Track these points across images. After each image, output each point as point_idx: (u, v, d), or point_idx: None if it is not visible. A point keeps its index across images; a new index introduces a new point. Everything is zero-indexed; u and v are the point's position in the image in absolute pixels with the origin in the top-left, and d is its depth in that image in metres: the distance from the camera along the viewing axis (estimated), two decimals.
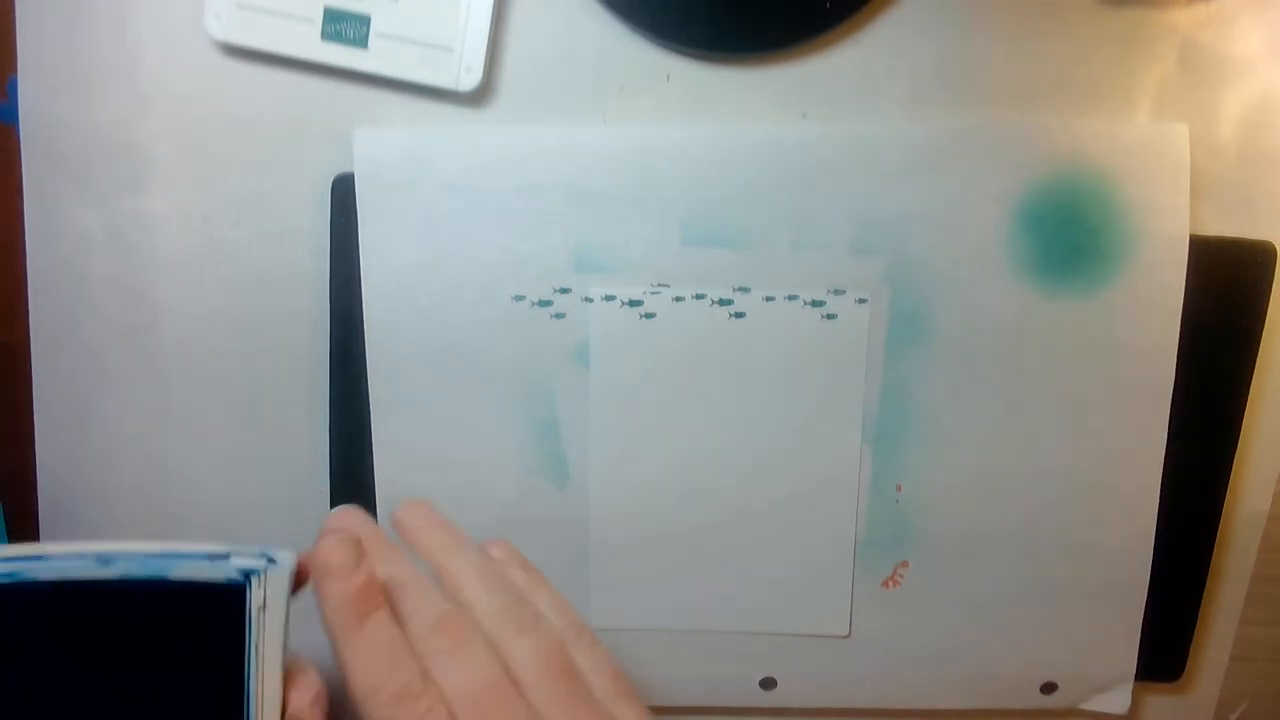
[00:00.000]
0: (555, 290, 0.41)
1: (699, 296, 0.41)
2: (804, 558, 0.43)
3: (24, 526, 0.45)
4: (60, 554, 0.30)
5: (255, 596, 0.31)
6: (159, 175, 0.41)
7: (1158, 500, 0.42)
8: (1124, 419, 0.41)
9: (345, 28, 0.39)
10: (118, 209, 0.42)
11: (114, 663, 0.31)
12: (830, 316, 0.41)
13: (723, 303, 0.41)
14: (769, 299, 0.41)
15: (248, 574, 0.31)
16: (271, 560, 0.31)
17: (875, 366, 0.41)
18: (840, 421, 0.42)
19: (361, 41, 0.39)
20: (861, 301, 0.41)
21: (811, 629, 0.43)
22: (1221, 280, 0.41)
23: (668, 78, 0.40)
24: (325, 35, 0.39)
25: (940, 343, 0.41)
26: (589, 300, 0.41)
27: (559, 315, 0.41)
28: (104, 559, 0.30)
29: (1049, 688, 0.44)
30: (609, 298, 0.41)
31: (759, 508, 0.42)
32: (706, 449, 0.42)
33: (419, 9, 0.38)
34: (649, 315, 0.41)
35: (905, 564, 0.43)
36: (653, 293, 0.41)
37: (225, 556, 0.31)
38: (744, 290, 0.41)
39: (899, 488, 0.42)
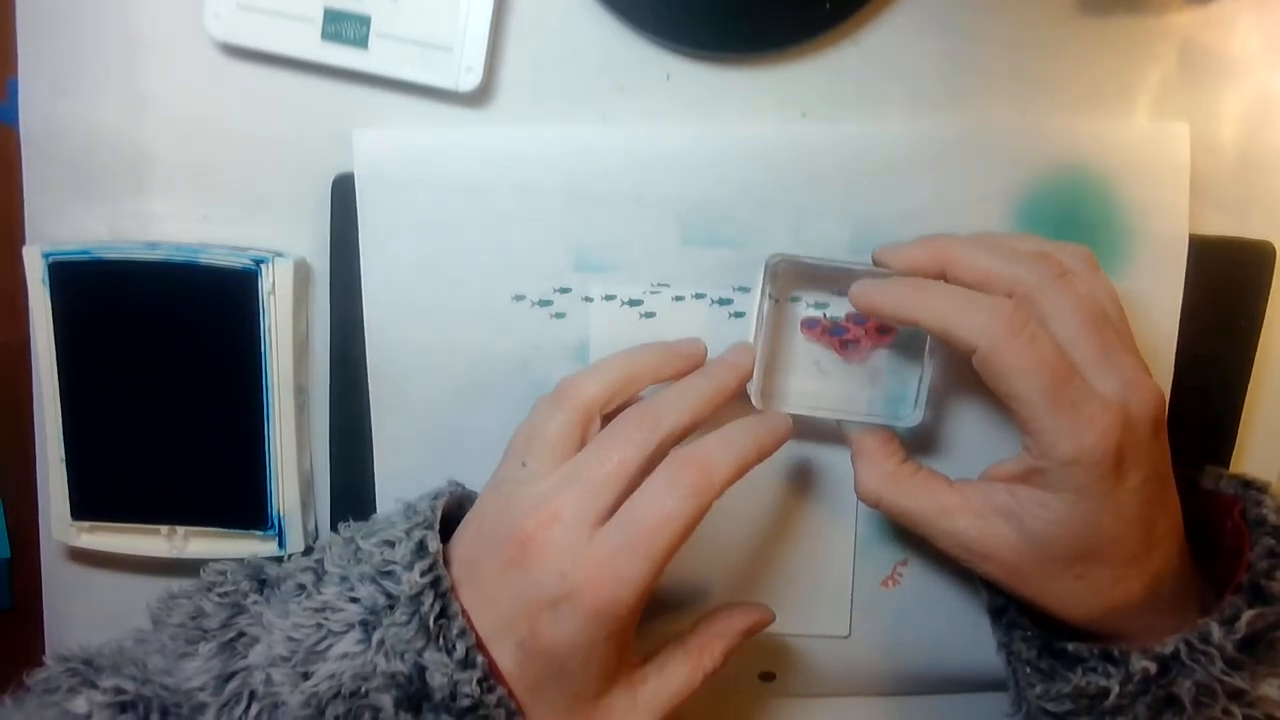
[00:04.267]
0: (555, 290, 0.41)
1: (699, 296, 0.41)
2: (803, 557, 0.43)
3: (24, 525, 0.46)
4: (118, 243, 0.41)
5: (265, 281, 0.40)
6: (159, 175, 0.41)
7: None
8: None
9: (345, 28, 0.39)
10: (118, 209, 0.42)
11: (163, 328, 0.41)
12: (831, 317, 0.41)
13: (722, 302, 0.41)
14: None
15: (259, 262, 0.40)
16: (280, 254, 0.40)
17: (870, 371, 0.41)
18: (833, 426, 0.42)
19: (361, 41, 0.39)
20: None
21: (811, 629, 0.43)
22: (1221, 280, 0.41)
23: (668, 78, 0.40)
24: (325, 35, 0.39)
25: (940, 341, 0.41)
26: (589, 300, 0.41)
27: (559, 315, 0.41)
28: (152, 246, 0.40)
29: None
30: (609, 297, 0.41)
31: (759, 507, 0.42)
32: None
33: (419, 9, 0.38)
34: (649, 315, 0.41)
35: (904, 563, 0.43)
36: (652, 292, 0.41)
37: (243, 251, 0.40)
38: (744, 290, 0.41)
39: None
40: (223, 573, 0.37)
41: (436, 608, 0.32)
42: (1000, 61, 0.40)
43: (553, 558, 0.32)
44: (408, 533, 0.34)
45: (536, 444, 0.35)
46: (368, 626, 0.32)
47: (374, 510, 0.43)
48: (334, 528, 0.43)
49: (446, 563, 0.34)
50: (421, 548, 0.33)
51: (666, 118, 0.41)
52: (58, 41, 0.41)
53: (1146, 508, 0.34)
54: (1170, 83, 0.40)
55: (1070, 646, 0.36)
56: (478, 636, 0.32)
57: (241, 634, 0.34)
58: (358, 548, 0.35)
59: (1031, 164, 0.40)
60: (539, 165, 0.40)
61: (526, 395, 0.41)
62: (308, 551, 0.37)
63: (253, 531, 0.43)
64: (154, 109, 0.41)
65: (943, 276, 0.36)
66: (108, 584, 0.45)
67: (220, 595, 0.36)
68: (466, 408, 0.42)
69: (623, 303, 0.41)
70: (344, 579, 0.34)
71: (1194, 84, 0.40)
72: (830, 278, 0.40)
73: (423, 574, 0.32)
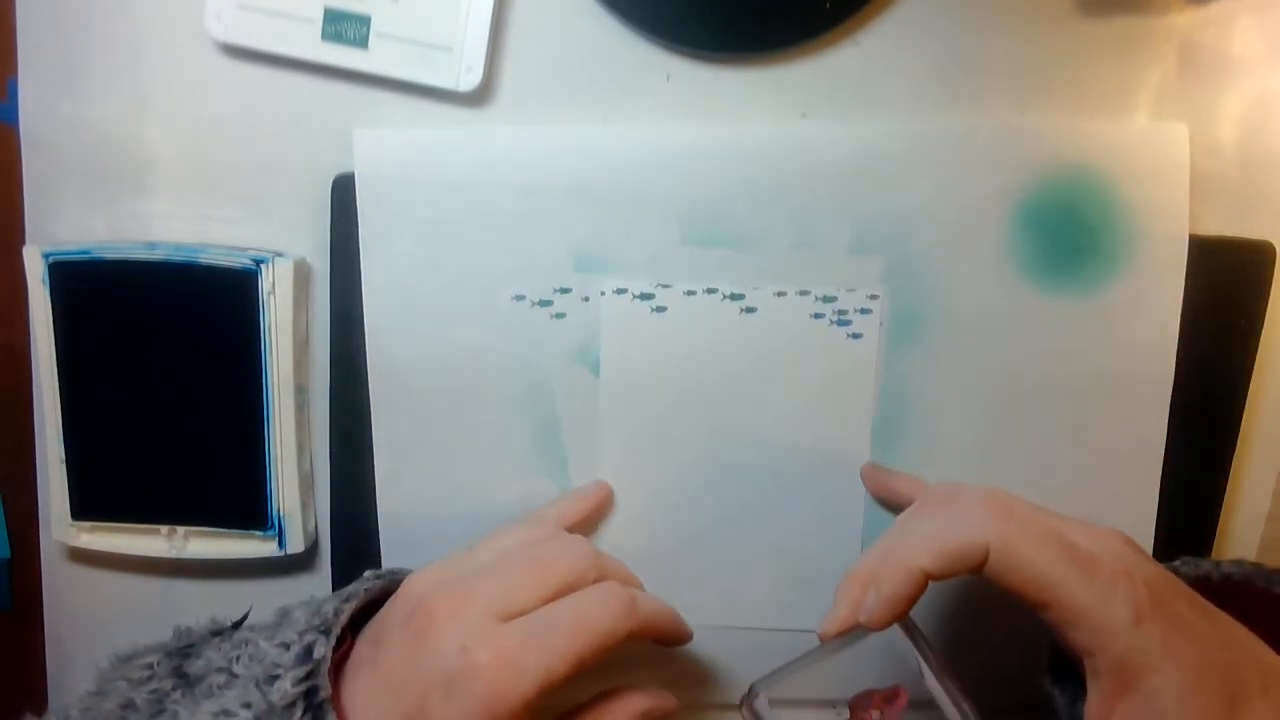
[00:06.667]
0: (555, 290, 0.41)
1: (710, 291, 0.41)
2: (806, 557, 0.43)
3: (24, 525, 0.46)
4: (118, 243, 0.41)
5: (265, 281, 0.40)
6: (159, 175, 0.41)
7: (1157, 500, 0.42)
8: (1124, 419, 0.41)
9: (345, 28, 0.39)
10: (118, 209, 0.42)
11: (163, 328, 0.41)
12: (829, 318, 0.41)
13: (734, 297, 0.41)
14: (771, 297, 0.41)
15: (259, 261, 0.40)
16: (280, 254, 0.40)
17: (876, 366, 0.41)
18: (841, 423, 0.42)
19: (361, 41, 0.39)
20: (865, 303, 0.41)
21: (814, 628, 0.43)
22: (1221, 280, 0.40)
23: (668, 78, 0.40)
24: (325, 35, 0.39)
25: (940, 342, 0.41)
26: (587, 300, 0.41)
27: (559, 315, 0.41)
28: (152, 246, 0.40)
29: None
30: (620, 291, 0.41)
31: (761, 508, 0.42)
32: (707, 450, 0.42)
33: (419, 9, 0.38)
34: (660, 309, 0.41)
35: None
36: (663, 286, 0.41)
37: (243, 250, 0.40)
38: (744, 290, 0.41)
39: None
40: (150, 666, 0.35)
41: (307, 719, 0.31)
42: (1000, 61, 0.40)
43: (455, 634, 0.31)
44: (300, 635, 0.33)
45: (496, 537, 0.37)
46: None
47: (374, 510, 0.43)
48: (333, 527, 0.43)
49: (354, 644, 0.34)
50: (307, 653, 0.32)
51: (666, 118, 0.41)
52: (58, 41, 0.41)
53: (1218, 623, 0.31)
54: (1170, 83, 0.40)
55: None
56: None
57: None
58: (257, 647, 0.34)
59: (1031, 164, 0.40)
60: (539, 165, 0.40)
61: (526, 395, 0.42)
62: (237, 625, 0.37)
63: (253, 531, 0.43)
64: (154, 109, 0.41)
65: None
66: (108, 584, 0.45)
67: (150, 693, 0.35)
68: (466, 408, 0.42)
69: (634, 296, 0.41)
70: (246, 680, 0.33)
71: (1194, 84, 0.40)
72: (809, 670, 0.37)
73: (295, 683, 0.32)
